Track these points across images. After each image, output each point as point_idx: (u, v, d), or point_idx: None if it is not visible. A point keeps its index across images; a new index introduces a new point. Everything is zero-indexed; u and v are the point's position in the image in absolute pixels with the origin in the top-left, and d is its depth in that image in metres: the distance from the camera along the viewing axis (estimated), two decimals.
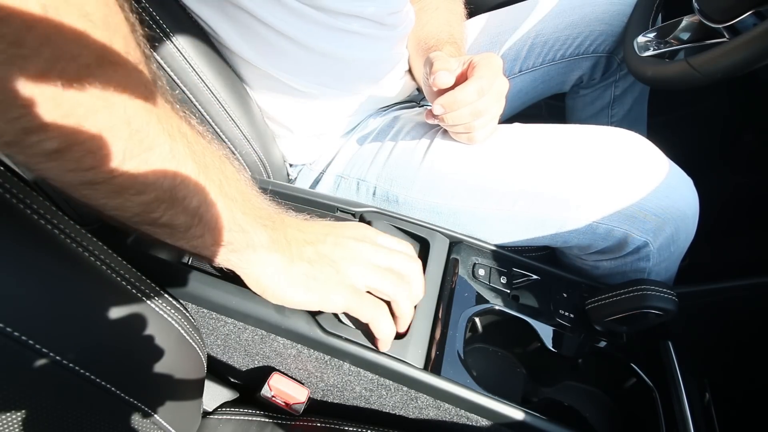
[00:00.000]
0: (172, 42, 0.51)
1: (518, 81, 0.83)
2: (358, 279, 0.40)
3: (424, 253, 0.52)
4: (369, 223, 0.51)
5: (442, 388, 0.43)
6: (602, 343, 0.53)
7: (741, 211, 0.85)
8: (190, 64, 0.53)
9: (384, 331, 0.40)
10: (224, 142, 0.60)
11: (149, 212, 0.29)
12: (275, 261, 0.37)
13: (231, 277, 0.42)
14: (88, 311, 0.33)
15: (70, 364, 0.30)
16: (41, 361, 0.29)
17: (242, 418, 0.51)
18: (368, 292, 0.41)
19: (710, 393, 0.56)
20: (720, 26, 0.57)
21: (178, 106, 0.30)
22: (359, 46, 0.60)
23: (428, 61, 0.55)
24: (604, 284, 0.59)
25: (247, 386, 0.57)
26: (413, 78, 0.73)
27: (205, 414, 0.52)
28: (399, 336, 0.43)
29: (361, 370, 0.45)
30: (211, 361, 0.52)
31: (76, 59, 0.21)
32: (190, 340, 0.42)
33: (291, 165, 0.73)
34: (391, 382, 0.45)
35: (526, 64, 0.82)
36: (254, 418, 0.51)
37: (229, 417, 0.51)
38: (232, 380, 0.57)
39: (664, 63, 0.62)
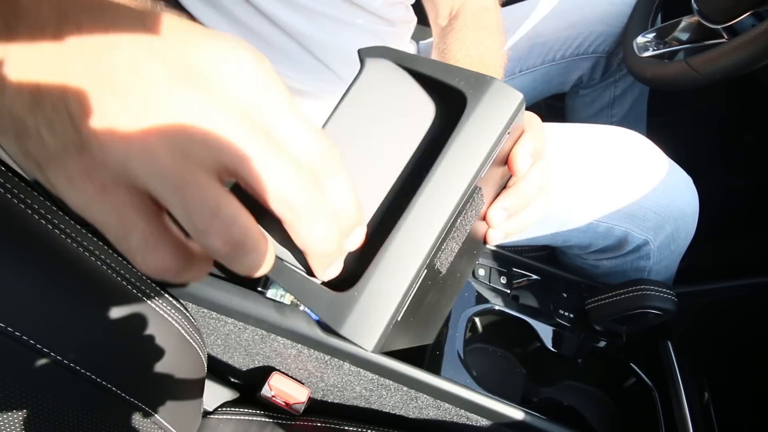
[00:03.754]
0: None
1: (518, 81, 0.83)
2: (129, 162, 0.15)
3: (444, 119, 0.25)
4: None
5: (442, 388, 0.43)
6: (602, 343, 0.53)
7: (740, 211, 0.86)
8: None
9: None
10: None
11: None
12: None
13: (231, 277, 0.42)
14: (89, 311, 0.33)
15: (71, 364, 0.30)
16: (42, 361, 0.29)
17: (242, 418, 0.51)
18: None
19: (709, 392, 0.56)
20: (719, 27, 0.57)
21: None
22: (362, 41, 0.60)
23: None
24: (604, 284, 0.59)
25: (248, 386, 0.57)
26: None
27: (206, 414, 0.52)
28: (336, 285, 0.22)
29: (361, 369, 0.45)
30: (212, 360, 0.52)
31: None
32: (191, 340, 0.42)
33: None
34: (391, 381, 0.45)
35: (526, 65, 0.82)
36: (254, 418, 0.51)
37: (229, 417, 0.51)
38: (233, 380, 0.57)
39: (663, 63, 0.62)
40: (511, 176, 0.30)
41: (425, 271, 0.21)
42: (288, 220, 0.16)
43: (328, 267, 0.19)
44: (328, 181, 0.17)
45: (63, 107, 0.15)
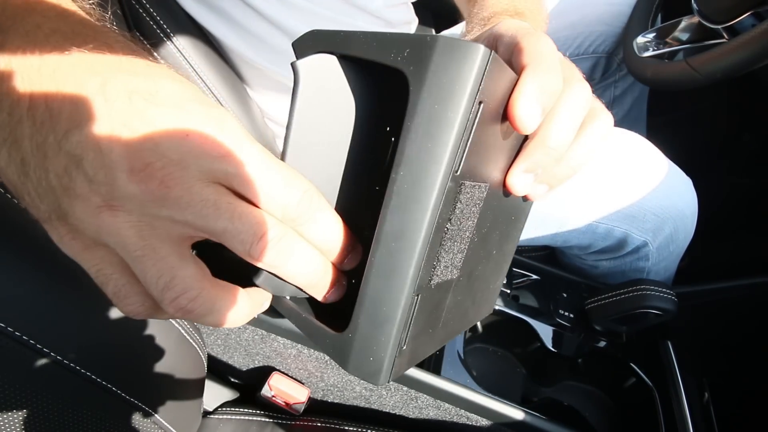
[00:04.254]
0: (172, 42, 0.51)
1: None
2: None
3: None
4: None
5: (442, 388, 0.43)
6: (602, 343, 0.53)
7: (739, 211, 0.86)
8: (190, 64, 0.53)
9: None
10: None
11: None
12: None
13: (231, 277, 0.41)
14: (89, 311, 0.33)
15: (71, 364, 0.30)
16: (42, 361, 0.29)
17: (242, 417, 0.51)
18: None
19: (709, 392, 0.56)
20: (719, 27, 0.57)
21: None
22: None
23: None
24: (604, 284, 0.59)
25: (248, 386, 0.57)
26: None
27: (206, 414, 0.52)
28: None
29: None
30: (212, 360, 0.52)
31: None
32: (191, 340, 0.42)
33: None
34: (391, 381, 0.45)
35: None
36: (254, 418, 0.51)
37: (229, 417, 0.51)
38: (233, 380, 0.57)
39: (663, 63, 0.62)
40: None
41: (418, 296, 0.19)
42: (271, 270, 0.19)
43: (324, 292, 0.21)
44: (306, 226, 0.19)
45: (45, 181, 0.17)
